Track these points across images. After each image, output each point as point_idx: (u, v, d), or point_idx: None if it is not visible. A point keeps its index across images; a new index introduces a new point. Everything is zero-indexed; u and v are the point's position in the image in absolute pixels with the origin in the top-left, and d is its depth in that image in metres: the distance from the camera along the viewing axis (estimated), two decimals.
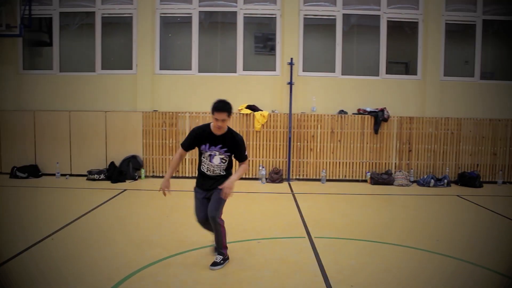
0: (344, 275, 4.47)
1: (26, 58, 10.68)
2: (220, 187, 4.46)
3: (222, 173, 4.58)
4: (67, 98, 10.27)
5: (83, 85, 10.26)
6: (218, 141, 4.48)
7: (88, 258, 4.89)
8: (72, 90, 10.27)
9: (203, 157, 4.56)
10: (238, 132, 4.79)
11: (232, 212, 6.90)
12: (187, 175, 9.87)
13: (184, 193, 8.00)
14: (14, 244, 5.22)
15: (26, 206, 7.46)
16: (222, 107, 4.36)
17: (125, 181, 9.43)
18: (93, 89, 10.31)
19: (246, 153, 4.68)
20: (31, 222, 6.32)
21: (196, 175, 4.75)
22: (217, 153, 4.51)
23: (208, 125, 4.55)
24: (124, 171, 9.65)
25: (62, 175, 10.00)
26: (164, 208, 7.30)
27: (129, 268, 4.58)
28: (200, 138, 4.53)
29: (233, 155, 4.59)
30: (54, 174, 10.01)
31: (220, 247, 4.66)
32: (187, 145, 4.63)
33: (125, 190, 8.66)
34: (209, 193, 4.61)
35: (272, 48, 10.37)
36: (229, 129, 4.56)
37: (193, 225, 5.18)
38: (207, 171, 4.58)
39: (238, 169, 4.65)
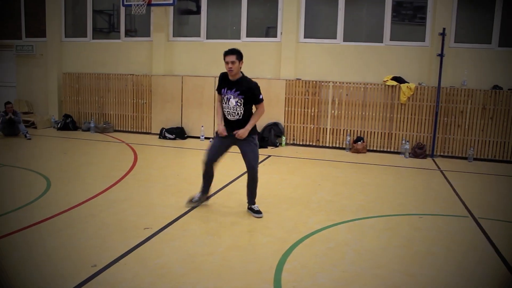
0: None
1: (175, 26, 11.15)
2: (234, 132, 4.85)
3: (240, 117, 4.87)
4: (213, 65, 10.59)
5: None
6: (233, 85, 4.83)
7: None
8: (218, 57, 10.52)
9: (224, 101, 4.91)
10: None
11: (383, 184, 7.00)
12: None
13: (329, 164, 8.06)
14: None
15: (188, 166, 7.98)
16: (230, 50, 4.75)
17: (267, 147, 9.60)
18: None
19: (261, 96, 4.91)
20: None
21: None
22: (232, 96, 4.82)
23: (226, 74, 4.88)
24: (266, 137, 9.85)
25: (206, 138, 10.37)
26: (314, 175, 7.42)
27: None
28: (222, 82, 4.94)
29: (247, 100, 4.84)
30: (198, 137, 10.46)
31: (255, 196, 5.13)
32: (219, 88, 5.02)
33: (269, 156, 8.84)
34: (232, 139, 4.91)
35: (422, 18, 9.81)
36: (243, 75, 4.91)
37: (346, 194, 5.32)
38: (227, 115, 4.93)
39: (253, 114, 4.95)
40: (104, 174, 6.91)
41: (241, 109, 4.90)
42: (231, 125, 4.97)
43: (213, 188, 5.58)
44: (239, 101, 4.86)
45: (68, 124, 11.26)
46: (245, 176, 5.10)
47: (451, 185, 7.10)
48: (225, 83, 4.93)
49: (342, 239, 4.57)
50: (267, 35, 10.74)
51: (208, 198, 5.47)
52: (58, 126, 11.28)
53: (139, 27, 11.56)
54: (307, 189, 6.51)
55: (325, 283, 3.55)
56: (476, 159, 9.32)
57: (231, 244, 4.25)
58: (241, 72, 4.93)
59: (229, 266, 3.77)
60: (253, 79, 4.97)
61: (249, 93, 4.85)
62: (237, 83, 4.87)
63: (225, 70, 4.94)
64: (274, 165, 8.08)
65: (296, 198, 5.96)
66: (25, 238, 4.25)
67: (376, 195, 6.35)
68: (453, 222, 5.29)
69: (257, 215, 5.06)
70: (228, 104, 4.91)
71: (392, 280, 3.63)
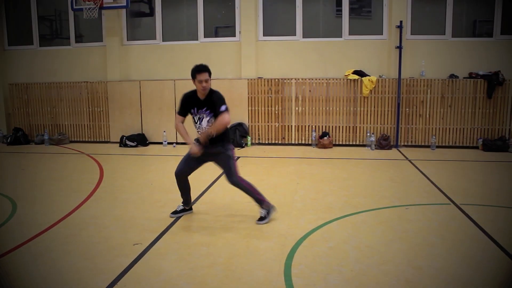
0: None
1: (129, 29, 10.80)
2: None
3: (213, 135, 4.59)
4: (171, 67, 10.31)
5: (187, 54, 10.21)
6: (204, 104, 4.61)
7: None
8: (176, 59, 10.30)
9: (194, 121, 4.72)
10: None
11: (360, 178, 7.06)
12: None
13: (300, 161, 7.98)
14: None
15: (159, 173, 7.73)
16: (203, 67, 4.52)
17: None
18: (197, 57, 10.28)
19: (223, 107, 4.54)
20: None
21: None
22: (204, 115, 4.63)
23: (194, 91, 4.65)
24: (232, 138, 9.66)
25: (168, 143, 10.09)
26: (290, 174, 7.39)
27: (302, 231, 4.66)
28: (189, 102, 4.68)
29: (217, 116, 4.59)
30: (161, 143, 10.17)
31: (259, 202, 4.85)
32: (182, 111, 4.77)
33: (238, 157, 8.70)
34: (205, 157, 4.74)
35: (377, 11, 9.98)
36: (210, 90, 4.63)
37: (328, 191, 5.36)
38: (198, 133, 4.74)
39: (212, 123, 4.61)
40: (72, 189, 6.52)
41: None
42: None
43: (192, 196, 5.39)
44: (210, 119, 4.67)
45: (19, 137, 10.63)
46: (222, 180, 4.85)
47: (424, 174, 7.24)
48: (193, 103, 4.69)
49: (339, 237, 4.50)
50: (216, 35, 10.48)
51: (190, 208, 5.28)
52: (8, 140, 10.57)
53: (89, 32, 11.01)
54: (287, 188, 6.43)
55: (339, 285, 3.45)
56: (438, 147, 9.59)
57: (230, 253, 4.07)
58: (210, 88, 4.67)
59: (235, 277, 3.60)
60: (211, 80, 4.74)
61: (214, 107, 4.60)
62: (207, 101, 4.64)
63: (187, 91, 4.78)
64: (246, 166, 7.94)
65: (279, 199, 5.82)
66: (2, 268, 3.82)
67: (357, 189, 6.38)
68: (439, 211, 5.37)
69: (258, 222, 4.89)
70: (201, 123, 4.70)
71: (403, 275, 3.59)
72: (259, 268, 3.76)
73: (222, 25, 10.57)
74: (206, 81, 4.54)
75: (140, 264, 3.82)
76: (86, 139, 10.78)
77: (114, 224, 4.90)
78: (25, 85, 10.94)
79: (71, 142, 10.80)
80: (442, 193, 6.10)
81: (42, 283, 3.51)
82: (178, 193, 5.15)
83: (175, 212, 5.14)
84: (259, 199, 4.89)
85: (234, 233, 4.63)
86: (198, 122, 4.72)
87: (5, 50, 11.26)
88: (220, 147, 4.80)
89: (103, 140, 10.67)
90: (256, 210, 5.04)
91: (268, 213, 4.89)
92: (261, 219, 4.88)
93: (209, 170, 5.40)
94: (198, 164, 4.95)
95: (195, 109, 4.71)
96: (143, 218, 5.09)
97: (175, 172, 4.95)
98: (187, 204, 5.19)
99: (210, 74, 4.61)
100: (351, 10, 10.00)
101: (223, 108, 4.61)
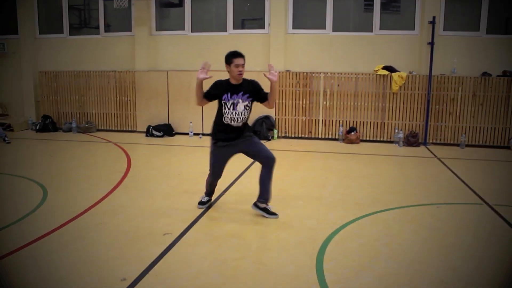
0: None
1: (158, 19, 10.82)
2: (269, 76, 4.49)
3: (245, 121, 4.61)
4: (198, 58, 10.25)
5: (215, 45, 10.16)
6: (238, 89, 4.53)
7: None
8: (204, 50, 10.27)
9: (226, 108, 4.55)
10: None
11: (388, 175, 6.98)
12: None
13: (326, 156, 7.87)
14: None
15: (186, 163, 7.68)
16: (239, 53, 4.52)
17: None
18: (225, 49, 10.12)
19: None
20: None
21: (213, 131, 4.78)
22: (241, 100, 4.53)
23: (226, 79, 4.62)
24: (258, 131, 9.63)
25: (195, 134, 10.09)
26: (316, 169, 7.31)
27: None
28: (220, 88, 4.57)
29: (255, 100, 4.64)
30: (187, 133, 10.16)
31: (270, 194, 4.75)
32: (208, 95, 4.64)
33: None
34: (238, 145, 4.65)
35: (410, 6, 9.75)
36: (244, 78, 4.62)
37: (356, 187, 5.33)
38: (231, 121, 4.57)
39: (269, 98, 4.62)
40: (100, 177, 6.58)
41: (248, 113, 4.67)
42: (233, 132, 4.69)
43: (221, 187, 5.47)
44: (248, 104, 4.62)
45: (47, 125, 10.74)
46: (250, 171, 4.80)
47: (454, 173, 7.10)
48: (225, 89, 4.60)
49: (370, 234, 4.44)
50: (242, 27, 10.40)
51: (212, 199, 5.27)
52: (37, 127, 10.75)
53: (117, 22, 11.04)
54: (315, 183, 6.36)
55: (372, 282, 3.40)
56: (467, 146, 9.38)
57: (260, 246, 4.05)
58: None
59: (266, 270, 3.56)
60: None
61: (258, 92, 4.63)
62: (241, 86, 4.60)
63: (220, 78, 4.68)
64: None
65: (307, 193, 5.82)
66: (32, 253, 3.87)
67: (385, 186, 6.28)
68: (471, 210, 5.26)
69: (272, 216, 4.79)
70: (236, 109, 4.58)
71: (437, 276, 3.52)
72: (291, 262, 3.73)
73: (249, 17, 10.43)
74: (243, 65, 4.52)
75: (170, 254, 3.82)
76: (113, 128, 10.86)
77: (143, 213, 4.92)
78: (54, 73, 11.07)
79: (98, 130, 10.90)
80: (474, 193, 5.96)
81: (72, 270, 3.54)
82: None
83: (202, 203, 5.14)
84: (270, 193, 4.78)
85: (263, 226, 4.60)
86: (232, 108, 4.58)
87: (35, 39, 11.39)
88: (249, 133, 4.81)
89: (130, 129, 10.75)
90: (285, 203, 5.16)
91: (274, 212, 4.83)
92: (274, 213, 4.88)
93: (237, 162, 5.33)
94: (228, 160, 4.89)
95: (228, 94, 4.58)
96: (172, 208, 5.09)
97: (214, 178, 4.94)
98: (211, 195, 5.22)
99: (244, 60, 4.56)
100: (382, 5, 9.71)
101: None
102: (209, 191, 5.15)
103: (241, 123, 4.69)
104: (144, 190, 5.89)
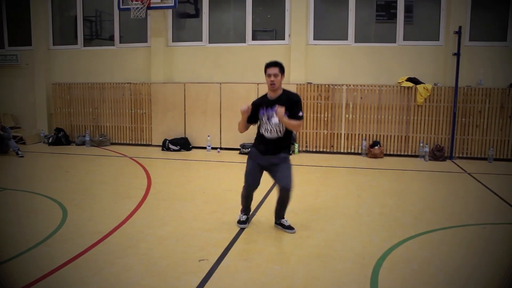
0: None
1: (174, 30, 10.57)
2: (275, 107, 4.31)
3: (280, 135, 4.46)
4: (216, 70, 10.02)
5: (233, 56, 9.91)
6: (274, 102, 4.38)
7: None
8: (222, 61, 10.00)
9: (262, 121, 4.48)
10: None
11: (422, 192, 6.76)
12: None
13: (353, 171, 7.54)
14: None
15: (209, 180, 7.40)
16: (273, 62, 4.36)
17: None
18: (244, 60, 10.01)
19: (301, 113, 4.41)
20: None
21: (254, 141, 4.66)
22: (274, 114, 4.35)
23: (265, 94, 4.52)
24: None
25: (213, 148, 9.78)
26: (347, 185, 6.98)
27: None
28: (257, 105, 4.50)
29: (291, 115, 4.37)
30: (204, 147, 9.85)
31: (284, 212, 4.75)
32: (250, 118, 4.53)
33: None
34: (268, 161, 4.53)
35: (434, 17, 9.47)
36: (284, 91, 4.48)
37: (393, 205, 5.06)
38: (265, 132, 4.48)
39: (292, 122, 4.40)
40: (120, 194, 6.28)
41: (283, 126, 4.45)
42: (269, 145, 4.53)
43: (253, 203, 5.11)
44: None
45: (60, 138, 10.46)
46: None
47: (489, 189, 6.81)
48: (262, 103, 4.51)
49: (421, 258, 4.10)
50: (254, 39, 10.18)
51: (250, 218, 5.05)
52: (49, 141, 10.47)
53: (131, 33, 10.79)
54: (349, 200, 6.06)
55: None
56: (495, 159, 9.04)
57: (306, 275, 3.72)
58: (282, 88, 4.50)
59: None
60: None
61: (291, 108, 4.38)
62: (278, 100, 4.41)
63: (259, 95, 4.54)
64: (297, 176, 7.49)
65: (343, 212, 5.51)
66: (59, 281, 3.53)
67: (423, 204, 5.96)
68: None
69: (289, 231, 4.71)
70: (270, 121, 4.45)
71: None
72: None
73: (261, 29, 10.17)
74: (275, 75, 4.33)
75: (210, 285, 3.47)
76: (128, 142, 10.57)
77: (173, 235, 4.61)
78: (68, 85, 10.82)
79: (112, 144, 10.62)
80: None
81: None
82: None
83: (242, 222, 4.89)
84: (284, 211, 4.77)
85: (304, 250, 4.28)
86: (267, 120, 4.45)
87: (49, 50, 11.16)
88: (284, 155, 4.60)
89: (145, 143, 10.46)
90: (323, 222, 4.95)
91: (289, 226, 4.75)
92: (292, 227, 4.76)
93: (263, 179, 5.01)
94: (261, 174, 4.71)
95: (264, 108, 4.45)
96: (203, 229, 4.78)
97: (249, 189, 4.74)
98: (248, 212, 4.98)
99: (281, 69, 4.40)
100: (408, 15, 9.47)
101: (300, 114, 4.42)
102: (246, 206, 4.89)
103: (275, 136, 4.51)
104: (170, 209, 5.59)
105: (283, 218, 4.80)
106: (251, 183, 4.69)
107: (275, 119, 4.43)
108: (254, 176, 4.67)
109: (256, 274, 3.72)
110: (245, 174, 4.72)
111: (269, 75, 4.35)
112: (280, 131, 4.50)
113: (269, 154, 4.56)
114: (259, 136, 4.61)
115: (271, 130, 4.47)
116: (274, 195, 5.46)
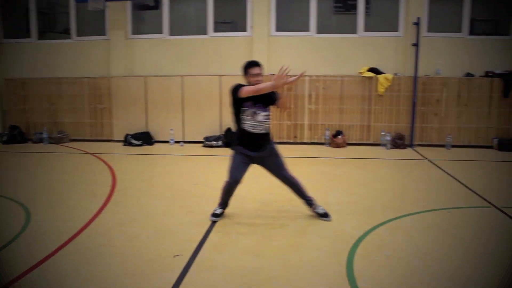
0: None
1: (134, 23, 10.33)
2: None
3: (267, 130, 4.55)
4: (178, 62, 9.87)
5: (195, 48, 9.79)
6: (259, 99, 4.42)
7: None
8: (184, 53, 9.87)
9: (245, 115, 4.47)
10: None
11: (388, 179, 6.92)
12: None
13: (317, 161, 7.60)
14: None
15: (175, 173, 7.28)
16: (255, 62, 4.50)
17: None
18: (206, 52, 9.90)
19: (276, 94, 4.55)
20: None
21: (236, 139, 4.63)
22: (261, 111, 4.47)
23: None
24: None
25: (176, 142, 9.68)
26: (313, 175, 7.04)
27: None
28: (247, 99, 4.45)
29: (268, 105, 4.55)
30: (167, 141, 9.74)
31: (306, 197, 4.85)
32: (239, 99, 4.46)
33: None
34: (258, 155, 4.58)
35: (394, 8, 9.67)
36: None
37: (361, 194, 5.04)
38: (251, 128, 4.50)
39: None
40: (86, 192, 6.08)
41: (269, 122, 4.58)
42: (255, 140, 4.56)
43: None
44: (266, 114, 4.55)
45: (15, 136, 10.06)
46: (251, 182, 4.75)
47: (450, 175, 7.04)
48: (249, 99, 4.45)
49: (393, 244, 4.20)
50: (215, 31, 10.18)
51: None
52: (3, 139, 9.97)
53: (89, 26, 10.44)
54: (317, 191, 5.98)
55: None
56: (453, 146, 9.40)
57: (283, 264, 3.74)
58: None
59: None
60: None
61: (273, 99, 4.54)
62: (262, 96, 4.42)
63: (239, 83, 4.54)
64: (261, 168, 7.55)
65: None
66: (30, 284, 3.35)
67: (389, 192, 6.13)
68: (483, 215, 5.13)
69: (325, 218, 4.83)
70: (254, 117, 4.50)
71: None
72: (321, 282, 3.46)
73: (220, 21, 10.09)
74: (258, 75, 4.45)
75: (188, 280, 3.42)
76: (88, 138, 10.28)
77: (145, 232, 4.51)
78: (23, 80, 10.40)
79: (72, 140, 10.28)
80: (477, 195, 5.86)
81: None
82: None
83: (215, 215, 4.86)
84: (307, 194, 4.87)
85: (278, 241, 4.28)
86: (251, 116, 4.50)
87: (1, 44, 10.61)
88: (270, 147, 4.67)
89: (106, 139, 10.18)
90: (293, 213, 4.90)
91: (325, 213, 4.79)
92: (326, 215, 4.87)
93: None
94: (247, 169, 4.69)
95: (250, 102, 4.46)
96: (175, 224, 4.71)
97: (234, 181, 4.63)
98: (225, 207, 4.95)
99: (261, 69, 4.49)
100: (368, 6, 9.62)
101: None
102: (225, 201, 4.86)
103: (261, 131, 4.56)
104: (138, 205, 5.47)
105: (313, 203, 4.86)
106: (237, 178, 4.61)
107: (259, 117, 4.49)
108: (241, 170, 4.63)
109: (233, 267, 3.70)
110: (230, 169, 4.64)
111: (253, 75, 4.42)
112: (265, 127, 4.56)
113: (257, 150, 4.59)
114: (242, 132, 4.57)
115: (256, 125, 4.51)
116: (244, 189, 5.42)
